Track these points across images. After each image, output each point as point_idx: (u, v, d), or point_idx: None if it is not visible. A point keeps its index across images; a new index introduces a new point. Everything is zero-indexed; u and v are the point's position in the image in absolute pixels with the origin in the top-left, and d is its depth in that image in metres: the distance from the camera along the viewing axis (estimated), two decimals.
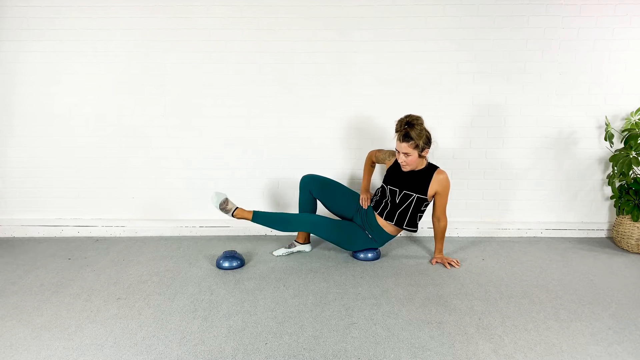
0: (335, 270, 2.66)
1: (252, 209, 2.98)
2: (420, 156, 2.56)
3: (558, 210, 3.32)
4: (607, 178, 3.22)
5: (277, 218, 2.73)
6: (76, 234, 3.28)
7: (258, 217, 2.73)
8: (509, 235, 3.30)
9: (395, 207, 2.67)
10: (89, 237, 3.25)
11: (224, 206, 2.69)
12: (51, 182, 3.27)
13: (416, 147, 2.50)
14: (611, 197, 3.14)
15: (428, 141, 2.54)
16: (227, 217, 3.20)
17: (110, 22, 3.07)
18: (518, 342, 1.91)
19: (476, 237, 3.29)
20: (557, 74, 3.12)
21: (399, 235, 3.19)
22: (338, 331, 1.98)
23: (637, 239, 2.94)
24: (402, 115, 2.56)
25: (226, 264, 2.65)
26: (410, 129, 2.47)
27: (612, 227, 3.24)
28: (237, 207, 2.72)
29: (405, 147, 2.50)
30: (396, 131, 2.54)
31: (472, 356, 1.81)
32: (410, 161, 2.55)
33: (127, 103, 3.17)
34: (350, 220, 2.86)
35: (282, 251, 2.89)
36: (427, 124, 2.56)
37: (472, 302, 2.26)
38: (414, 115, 2.51)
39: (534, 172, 3.26)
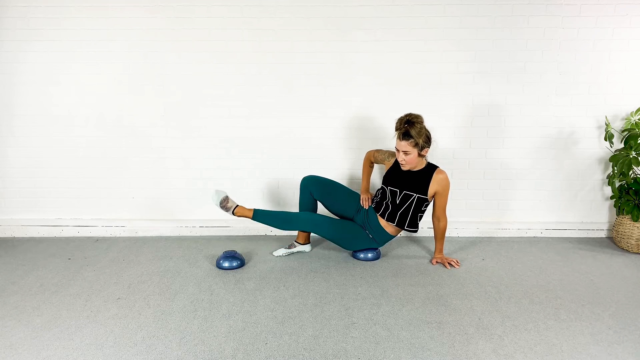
0: (335, 270, 2.66)
1: (252, 207, 2.98)
2: (419, 155, 2.56)
3: (558, 210, 3.32)
4: (607, 178, 3.22)
5: (277, 216, 2.73)
6: (76, 234, 3.28)
7: (258, 215, 2.73)
8: (509, 235, 3.30)
9: (396, 208, 2.67)
10: (89, 237, 3.25)
11: (225, 204, 2.69)
12: (51, 182, 3.27)
13: (416, 145, 2.50)
14: (611, 197, 3.14)
15: (428, 140, 2.54)
16: (228, 215, 3.20)
17: (110, 22, 3.07)
18: (518, 342, 1.91)
19: (476, 237, 3.29)
20: (557, 74, 3.12)
21: (399, 235, 3.19)
22: (338, 331, 1.98)
23: (637, 239, 2.94)
24: (402, 114, 2.56)
25: (226, 264, 2.65)
26: (410, 127, 2.47)
27: (612, 227, 3.24)
28: (237, 205, 2.72)
29: (404, 145, 2.50)
30: (396, 129, 2.54)
31: (472, 356, 1.81)
32: (409, 160, 2.55)
33: (127, 103, 3.17)
34: (351, 220, 2.86)
35: (282, 251, 2.88)
36: (427, 124, 2.57)
37: (472, 302, 2.26)
38: (414, 114, 2.51)
39: (534, 172, 3.26)
